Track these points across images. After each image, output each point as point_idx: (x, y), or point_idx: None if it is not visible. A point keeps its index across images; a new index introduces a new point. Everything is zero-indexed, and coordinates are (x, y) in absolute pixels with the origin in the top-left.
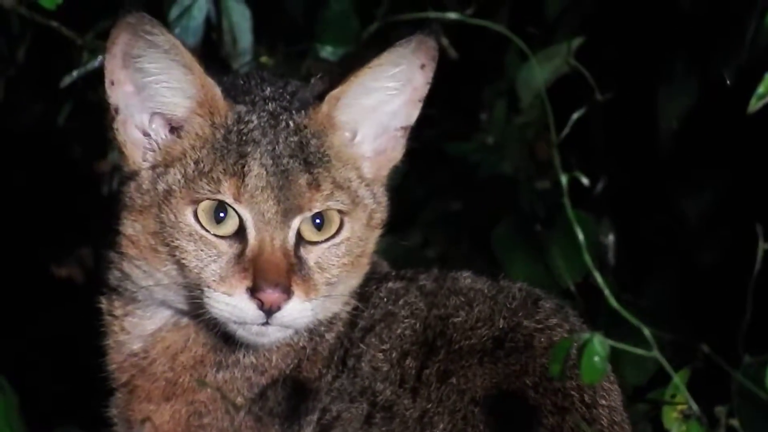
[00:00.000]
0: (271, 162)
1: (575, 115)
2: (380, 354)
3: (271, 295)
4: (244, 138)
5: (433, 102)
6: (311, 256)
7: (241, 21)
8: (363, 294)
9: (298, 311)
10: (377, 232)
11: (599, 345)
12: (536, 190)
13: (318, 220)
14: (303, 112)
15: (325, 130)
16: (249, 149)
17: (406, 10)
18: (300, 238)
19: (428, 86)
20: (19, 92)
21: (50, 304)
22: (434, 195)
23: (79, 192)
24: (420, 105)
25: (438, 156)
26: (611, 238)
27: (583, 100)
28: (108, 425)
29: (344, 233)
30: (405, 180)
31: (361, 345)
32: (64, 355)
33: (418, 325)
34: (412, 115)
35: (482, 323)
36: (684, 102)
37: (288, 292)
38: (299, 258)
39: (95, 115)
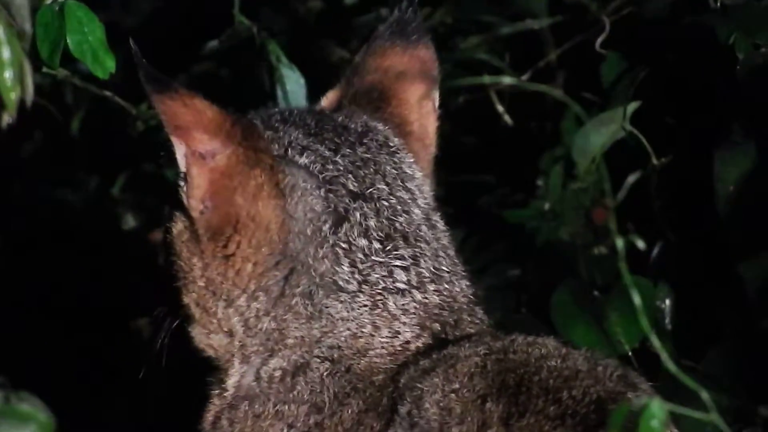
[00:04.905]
0: None
1: (630, 179)
2: (452, 394)
3: None
4: None
5: (490, 169)
6: None
7: (296, 89)
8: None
9: None
10: None
11: (657, 409)
12: (594, 256)
13: None
14: None
15: None
16: None
17: (461, 75)
18: None
19: None
20: (75, 164)
21: None
22: (492, 262)
23: (134, 263)
24: None
25: (496, 223)
26: (668, 302)
27: (639, 163)
28: None
29: None
30: (462, 247)
31: (419, 385)
32: None
33: (489, 366)
34: None
35: (585, 376)
36: (742, 165)
37: None
38: None
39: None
